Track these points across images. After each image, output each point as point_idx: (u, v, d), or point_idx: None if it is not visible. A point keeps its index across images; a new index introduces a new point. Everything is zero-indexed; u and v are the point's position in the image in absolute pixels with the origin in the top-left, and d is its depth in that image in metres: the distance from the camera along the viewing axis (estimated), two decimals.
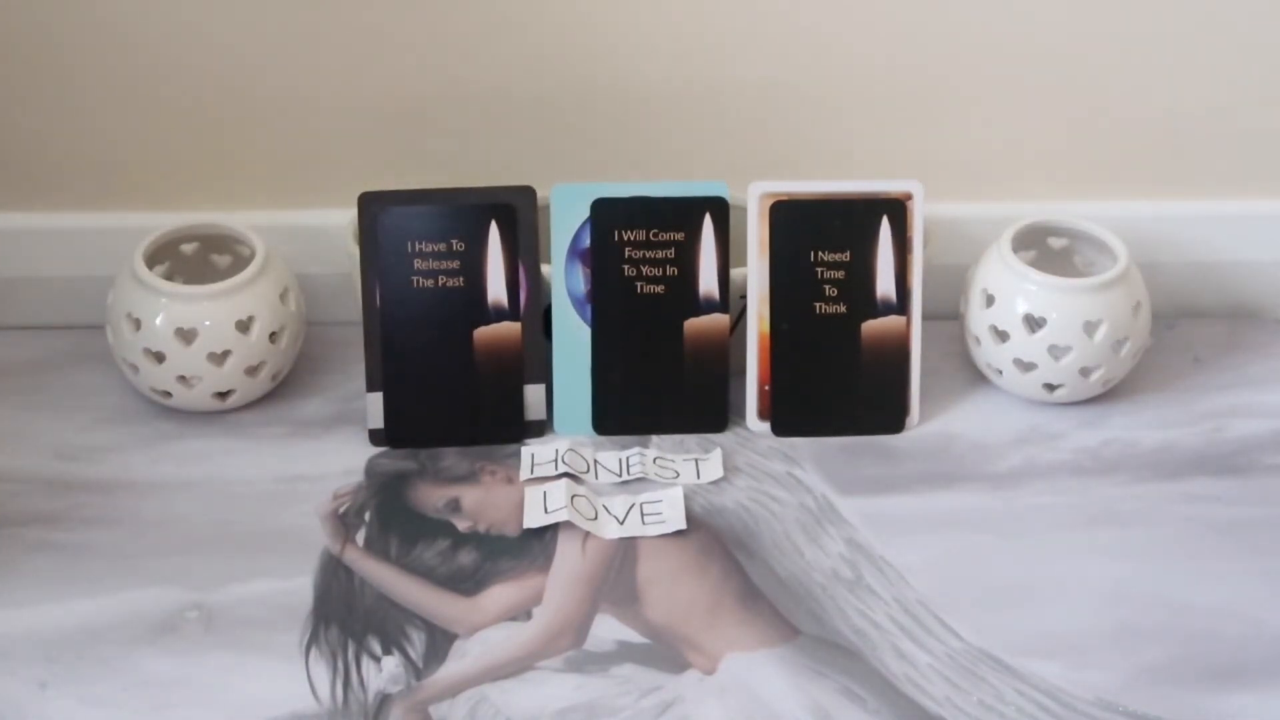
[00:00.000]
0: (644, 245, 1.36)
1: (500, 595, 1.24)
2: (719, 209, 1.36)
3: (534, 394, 1.38)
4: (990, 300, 1.41)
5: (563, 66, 1.44)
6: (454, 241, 1.35)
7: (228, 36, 1.41)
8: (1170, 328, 1.51)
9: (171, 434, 1.39)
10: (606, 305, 1.37)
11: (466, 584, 1.24)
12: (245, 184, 1.48)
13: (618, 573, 1.25)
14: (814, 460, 1.37)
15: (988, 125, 1.48)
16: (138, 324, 1.37)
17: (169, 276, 1.43)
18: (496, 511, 1.31)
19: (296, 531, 1.29)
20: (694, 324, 1.38)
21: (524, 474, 1.34)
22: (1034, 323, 1.39)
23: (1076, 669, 1.17)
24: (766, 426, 1.40)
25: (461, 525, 1.29)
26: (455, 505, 1.31)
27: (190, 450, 1.37)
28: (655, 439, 1.39)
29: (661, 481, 1.34)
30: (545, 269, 1.37)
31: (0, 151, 1.47)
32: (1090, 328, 1.38)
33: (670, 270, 1.37)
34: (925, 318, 1.39)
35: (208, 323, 1.36)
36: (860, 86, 1.46)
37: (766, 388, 1.39)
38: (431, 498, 1.32)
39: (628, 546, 1.27)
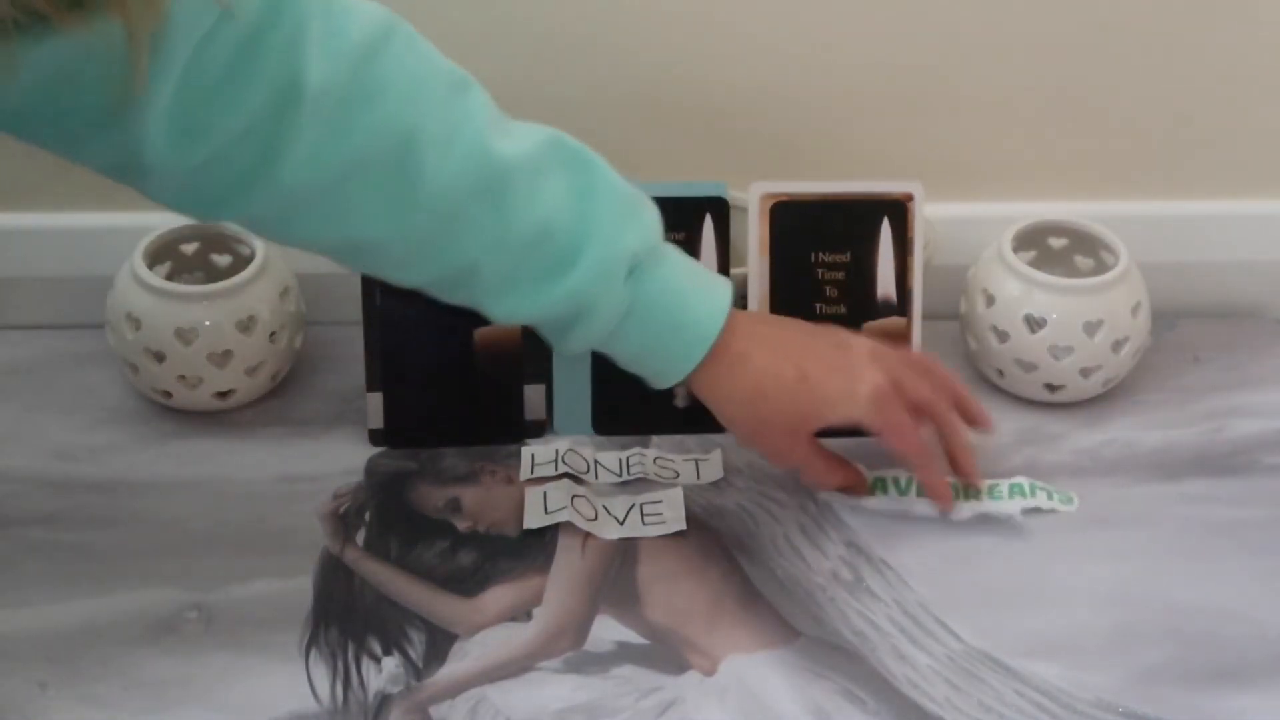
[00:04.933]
0: None
1: (500, 595, 1.23)
2: (719, 209, 1.36)
3: (534, 394, 1.38)
4: (990, 300, 1.41)
5: (562, 66, 1.44)
6: None
7: None
8: (1170, 328, 1.51)
9: (171, 434, 1.39)
10: None
11: (466, 584, 1.24)
12: None
13: (618, 573, 1.25)
14: None
15: (988, 125, 1.48)
16: (138, 324, 1.37)
17: (169, 276, 1.43)
18: (496, 511, 1.31)
19: (296, 531, 1.29)
20: None
21: (524, 474, 1.34)
22: (1034, 323, 1.39)
23: (1076, 669, 1.17)
24: None
25: (461, 525, 1.29)
26: (455, 505, 1.31)
27: (190, 450, 1.37)
28: (655, 439, 1.38)
29: (661, 482, 1.34)
30: None
31: (0, 151, 1.46)
32: (1091, 328, 1.38)
33: None
34: (925, 318, 1.39)
35: (208, 323, 1.36)
36: (860, 87, 1.45)
37: None
38: (431, 498, 1.32)
39: (628, 547, 1.27)
